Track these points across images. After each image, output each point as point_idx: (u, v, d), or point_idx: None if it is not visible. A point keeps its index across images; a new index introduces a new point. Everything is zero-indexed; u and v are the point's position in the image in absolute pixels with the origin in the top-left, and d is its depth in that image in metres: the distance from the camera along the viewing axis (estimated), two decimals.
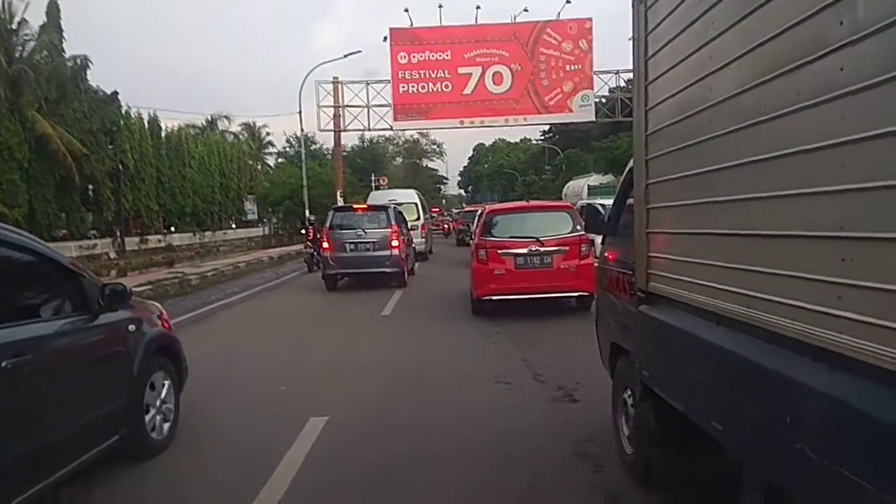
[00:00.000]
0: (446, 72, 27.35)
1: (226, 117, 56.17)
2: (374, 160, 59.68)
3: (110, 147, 35.39)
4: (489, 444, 4.48)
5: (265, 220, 54.51)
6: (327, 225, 14.54)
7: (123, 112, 37.42)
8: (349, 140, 54.03)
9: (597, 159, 37.31)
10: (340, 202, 26.52)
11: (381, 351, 7.82)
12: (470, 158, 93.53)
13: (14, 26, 30.17)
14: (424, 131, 60.09)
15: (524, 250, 9.46)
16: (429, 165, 78.50)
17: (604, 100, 29.16)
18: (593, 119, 29.22)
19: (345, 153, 38.97)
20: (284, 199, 39.47)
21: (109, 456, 4.04)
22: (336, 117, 28.48)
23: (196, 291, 13.94)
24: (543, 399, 5.56)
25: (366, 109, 28.20)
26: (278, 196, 40.92)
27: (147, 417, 4.43)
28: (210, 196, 47.28)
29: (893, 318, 1.54)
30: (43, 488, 3.29)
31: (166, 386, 4.75)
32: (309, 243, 18.73)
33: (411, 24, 27.63)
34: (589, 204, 8.14)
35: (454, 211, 52.20)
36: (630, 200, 4.14)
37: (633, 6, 3.41)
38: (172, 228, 43.42)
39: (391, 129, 30.38)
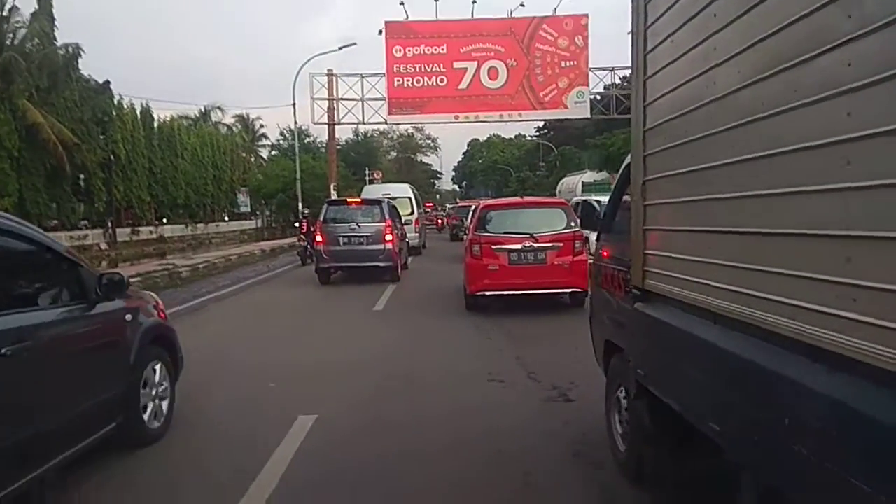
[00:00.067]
0: (441, 66, 27.31)
1: (219, 109, 56.10)
2: (369, 154, 59.56)
3: (102, 137, 35.20)
4: (481, 441, 4.43)
5: (258, 213, 54.35)
6: (321, 218, 14.50)
7: (115, 102, 37.19)
8: (343, 133, 54.06)
9: (591, 156, 37.35)
10: (334, 195, 26.43)
11: (373, 347, 7.72)
12: (464, 154, 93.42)
13: (5, 13, 29.86)
14: (419, 126, 60.07)
15: (518, 246, 9.44)
16: (423, 160, 78.51)
17: (599, 96, 29.21)
18: (588, 115, 29.25)
19: (339, 146, 38.92)
20: (278, 191, 39.34)
21: (105, 444, 4.07)
22: (330, 110, 28.40)
23: (187, 284, 13.83)
24: (537, 398, 5.49)
25: (360, 103, 28.12)
26: (271, 189, 40.79)
27: (143, 406, 4.50)
28: (203, 188, 47.08)
29: None
30: (43, 473, 3.36)
31: (162, 375, 4.81)
32: (303, 236, 18.75)
33: (407, 18, 27.53)
34: (585, 200, 8.12)
35: (448, 206, 52.16)
36: (626, 197, 4.12)
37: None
38: (164, 220, 43.23)
39: (385, 122, 30.36)
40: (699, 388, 2.64)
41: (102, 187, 34.86)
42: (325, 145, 38.25)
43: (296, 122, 32.26)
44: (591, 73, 27.53)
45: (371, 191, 23.17)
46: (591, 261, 5.95)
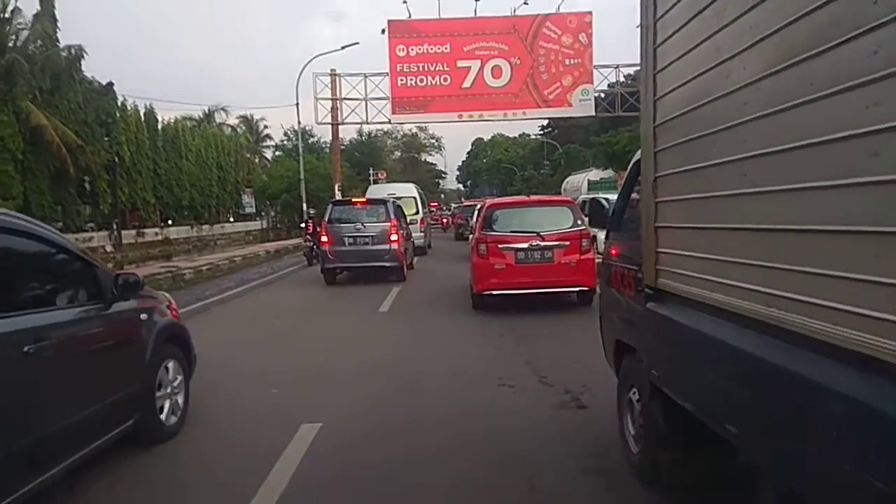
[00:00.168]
0: (445, 65, 27.21)
1: (223, 110, 56.05)
2: (373, 154, 59.49)
3: (106, 139, 35.15)
4: (492, 451, 4.29)
5: (263, 214, 54.36)
6: (326, 219, 14.46)
7: (119, 104, 37.18)
8: (347, 133, 53.95)
9: (596, 154, 37.16)
10: (338, 196, 26.38)
11: (378, 351, 7.54)
12: (468, 153, 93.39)
13: (7, 15, 29.85)
14: (423, 125, 60.06)
15: (525, 245, 9.38)
16: (427, 160, 78.48)
17: (603, 94, 29.08)
18: (593, 114, 29.12)
19: (343, 147, 38.84)
20: (282, 192, 39.29)
21: (115, 445, 4.12)
22: (334, 110, 28.32)
23: (190, 286, 13.78)
24: (550, 404, 5.30)
25: (364, 102, 28.06)
26: (276, 189, 40.75)
27: (159, 404, 4.61)
28: (207, 189, 47.09)
29: None
30: (67, 467, 3.49)
31: (177, 373, 4.91)
32: (308, 237, 18.79)
33: (410, 17, 27.48)
34: (593, 198, 8.04)
35: (453, 206, 52.09)
36: (635, 195, 4.05)
37: None
38: (170, 221, 43.25)
39: (389, 122, 30.28)
40: (716, 389, 2.57)
41: (107, 189, 34.84)
42: (328, 145, 38.30)
43: (299, 123, 32.15)
44: (595, 71, 27.36)
45: (376, 191, 23.12)
46: (600, 259, 5.86)
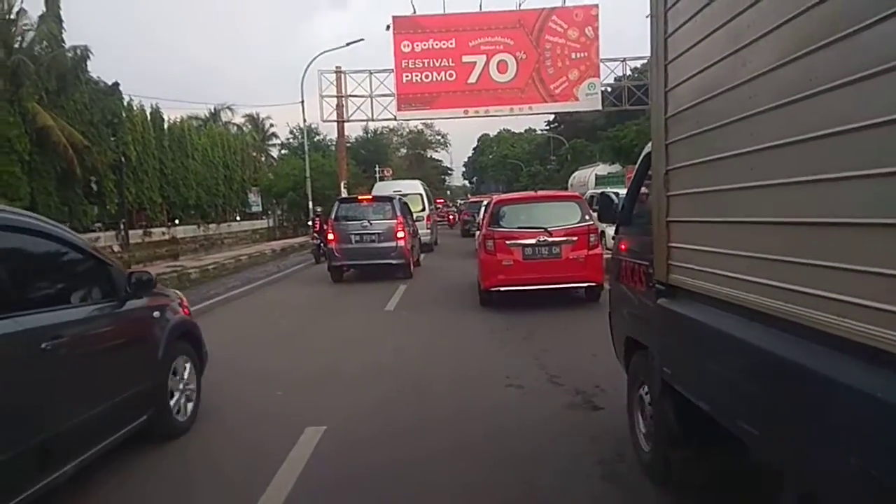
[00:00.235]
0: (450, 60, 27.12)
1: (229, 108, 56.13)
2: (378, 151, 59.53)
3: (112, 139, 35.22)
4: (500, 453, 4.21)
5: (269, 212, 54.45)
6: (332, 216, 14.44)
7: (125, 104, 37.25)
8: (353, 131, 54.04)
9: (603, 149, 36.92)
10: (344, 193, 26.37)
11: (384, 352, 7.39)
12: (474, 149, 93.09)
13: (13, 16, 29.91)
14: (428, 121, 59.94)
15: (533, 241, 9.31)
16: (433, 156, 78.43)
17: (610, 88, 28.89)
18: (599, 108, 28.97)
19: (348, 144, 38.88)
20: (288, 190, 39.34)
21: (124, 443, 4.13)
22: (339, 107, 28.31)
23: (196, 286, 13.75)
24: (560, 405, 5.17)
25: (369, 99, 28.01)
26: (282, 188, 40.81)
27: (171, 400, 4.68)
28: (214, 188, 47.17)
29: None
30: (84, 461, 3.56)
31: (188, 370, 4.99)
32: (315, 235, 18.79)
33: (414, 12, 27.37)
34: (602, 192, 7.93)
35: (459, 202, 52.01)
36: (645, 189, 3.97)
37: None
38: (176, 221, 43.35)
39: (395, 119, 30.24)
40: (731, 387, 2.50)
41: (114, 189, 34.92)
42: (334, 143, 38.22)
43: (304, 120, 32.13)
44: (602, 65, 27.23)
45: (382, 188, 23.06)
46: (609, 255, 5.78)
